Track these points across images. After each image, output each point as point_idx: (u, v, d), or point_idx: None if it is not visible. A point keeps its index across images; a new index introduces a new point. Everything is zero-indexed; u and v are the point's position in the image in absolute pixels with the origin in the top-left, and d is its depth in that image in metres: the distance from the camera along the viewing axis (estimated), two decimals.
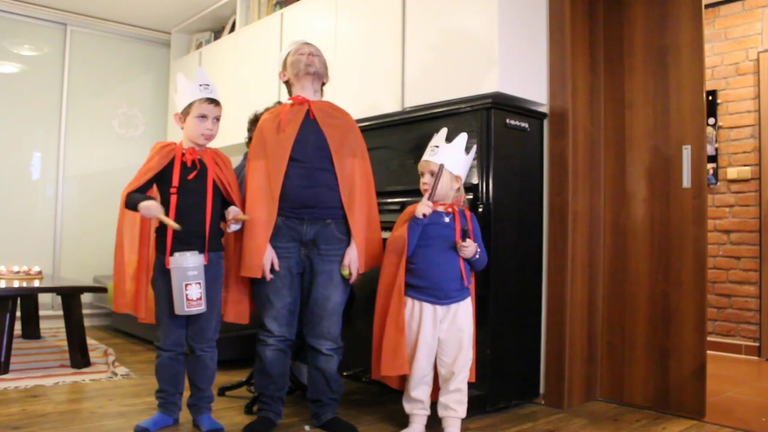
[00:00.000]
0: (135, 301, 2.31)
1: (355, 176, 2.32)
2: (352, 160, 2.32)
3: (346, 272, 2.29)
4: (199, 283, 2.13)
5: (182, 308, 2.13)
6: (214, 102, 2.30)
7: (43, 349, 3.80)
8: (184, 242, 2.19)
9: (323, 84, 2.43)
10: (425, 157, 2.34)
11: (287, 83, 2.44)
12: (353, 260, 2.29)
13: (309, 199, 2.26)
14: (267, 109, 2.88)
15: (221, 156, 2.35)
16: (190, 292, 2.12)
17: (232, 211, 2.24)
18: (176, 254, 2.14)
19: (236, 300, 2.35)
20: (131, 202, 2.17)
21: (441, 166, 2.26)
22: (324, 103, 2.39)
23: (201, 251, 2.20)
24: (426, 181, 2.31)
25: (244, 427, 2.28)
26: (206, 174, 2.25)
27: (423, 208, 2.22)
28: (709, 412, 2.63)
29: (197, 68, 2.42)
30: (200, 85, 2.28)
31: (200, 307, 2.15)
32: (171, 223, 2.14)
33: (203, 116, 2.26)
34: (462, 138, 2.34)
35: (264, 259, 2.22)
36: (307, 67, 2.33)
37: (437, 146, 2.32)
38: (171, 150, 2.27)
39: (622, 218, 2.92)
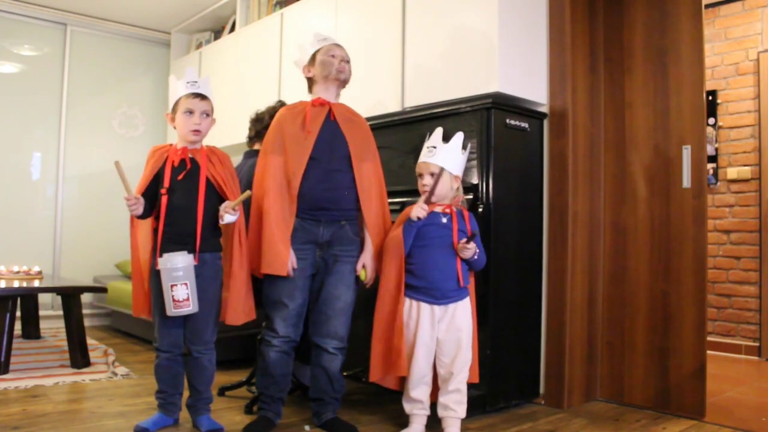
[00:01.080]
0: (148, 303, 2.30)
1: (372, 180, 2.35)
2: (369, 164, 2.36)
3: (363, 275, 2.31)
4: (186, 284, 2.11)
5: (170, 309, 2.12)
6: (200, 96, 2.25)
7: (43, 349, 3.80)
8: (176, 243, 2.17)
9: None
10: (423, 158, 2.33)
11: (310, 79, 2.42)
12: (368, 262, 2.32)
13: (327, 201, 2.26)
14: (268, 108, 2.88)
15: (217, 153, 2.30)
16: (176, 293, 2.10)
17: (225, 205, 2.18)
18: (165, 255, 2.13)
19: (240, 299, 2.27)
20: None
21: (441, 170, 2.25)
22: (342, 105, 2.42)
23: (192, 251, 2.17)
24: (425, 182, 2.30)
25: (244, 427, 2.28)
26: (198, 173, 2.22)
27: (418, 211, 2.23)
28: (709, 412, 2.63)
29: (188, 68, 2.40)
30: (187, 83, 2.26)
31: (188, 308, 2.12)
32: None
33: (190, 111, 2.23)
34: (459, 137, 2.33)
35: (291, 256, 2.21)
36: (339, 73, 2.35)
37: (434, 147, 2.31)
38: (164, 152, 2.26)
39: (622, 218, 2.92)
